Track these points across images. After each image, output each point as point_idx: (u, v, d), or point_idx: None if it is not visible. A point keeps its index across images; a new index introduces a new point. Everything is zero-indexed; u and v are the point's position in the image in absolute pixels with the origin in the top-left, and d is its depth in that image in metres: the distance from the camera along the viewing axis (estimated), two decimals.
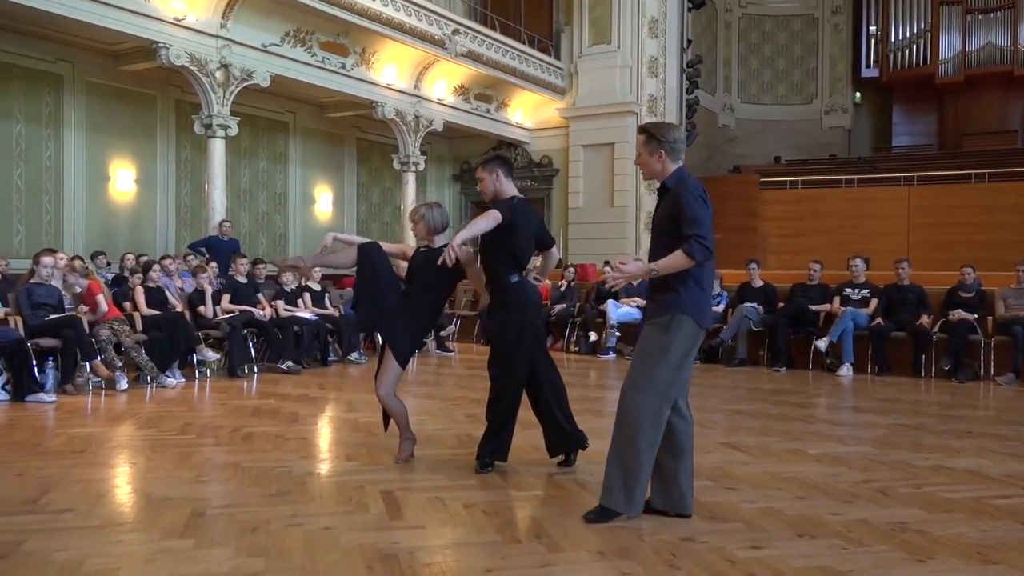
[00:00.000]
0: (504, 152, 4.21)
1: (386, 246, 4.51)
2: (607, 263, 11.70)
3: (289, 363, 8.49)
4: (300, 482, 4.03)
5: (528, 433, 4.72)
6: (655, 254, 3.40)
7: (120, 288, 8.30)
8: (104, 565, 2.87)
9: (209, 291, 8.53)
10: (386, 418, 4.49)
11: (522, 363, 4.17)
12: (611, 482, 3.34)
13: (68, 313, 7.19)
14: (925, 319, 8.74)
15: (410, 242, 4.40)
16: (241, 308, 8.61)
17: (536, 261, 4.58)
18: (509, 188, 4.27)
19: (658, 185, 3.51)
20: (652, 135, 3.44)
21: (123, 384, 7.06)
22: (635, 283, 10.54)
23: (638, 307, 10.42)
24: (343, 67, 13.50)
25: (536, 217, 4.35)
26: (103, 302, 7.48)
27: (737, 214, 19.00)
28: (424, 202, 4.68)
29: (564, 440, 4.30)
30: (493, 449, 4.27)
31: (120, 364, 7.25)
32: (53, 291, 7.19)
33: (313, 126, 15.96)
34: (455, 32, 14.75)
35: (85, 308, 7.35)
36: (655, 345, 3.34)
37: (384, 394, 4.31)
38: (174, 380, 7.48)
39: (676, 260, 3.26)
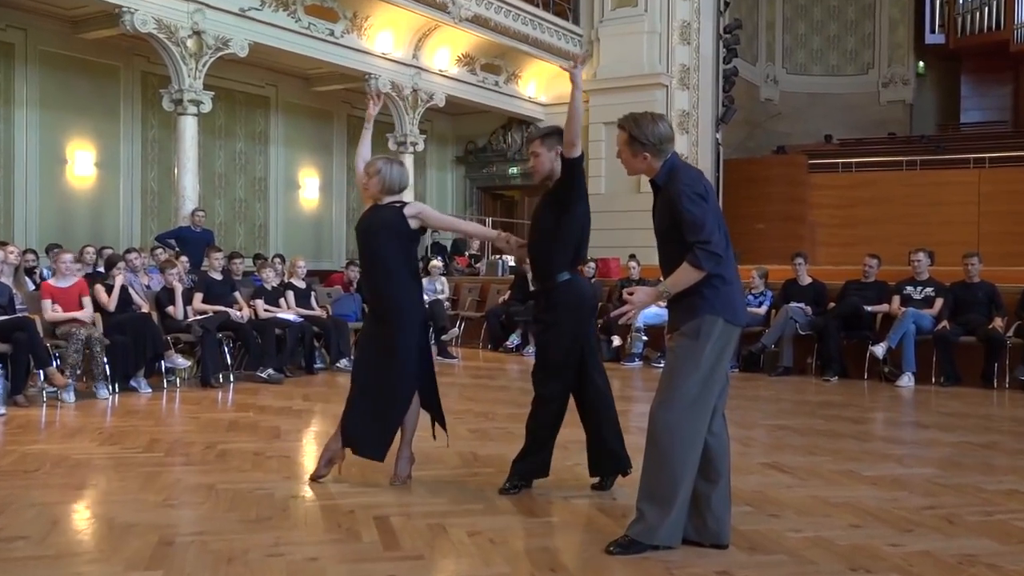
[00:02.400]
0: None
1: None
2: (632, 257, 11.69)
3: (270, 371, 8.52)
4: (282, 506, 4.04)
5: None
6: (666, 265, 3.42)
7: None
8: None
9: (179, 289, 8.56)
10: (434, 420, 4.55)
11: (568, 372, 4.19)
12: (642, 509, 3.34)
13: (20, 314, 7.23)
14: (998, 322, 8.68)
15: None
16: (215, 308, 8.64)
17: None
18: None
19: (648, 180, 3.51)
20: (634, 137, 3.41)
21: (71, 397, 7.06)
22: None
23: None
24: (331, 34, 13.53)
25: None
26: (89, 303, 7.60)
27: (781, 201, 18.96)
28: (383, 155, 4.65)
29: (610, 460, 4.30)
30: (529, 469, 4.29)
31: (79, 372, 7.29)
32: (3, 289, 7.24)
33: (297, 101, 16.01)
34: None
35: (56, 308, 7.40)
36: (683, 354, 3.34)
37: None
38: (115, 392, 7.50)
39: (685, 275, 3.28)
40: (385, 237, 4.34)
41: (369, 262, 4.45)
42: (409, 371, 4.35)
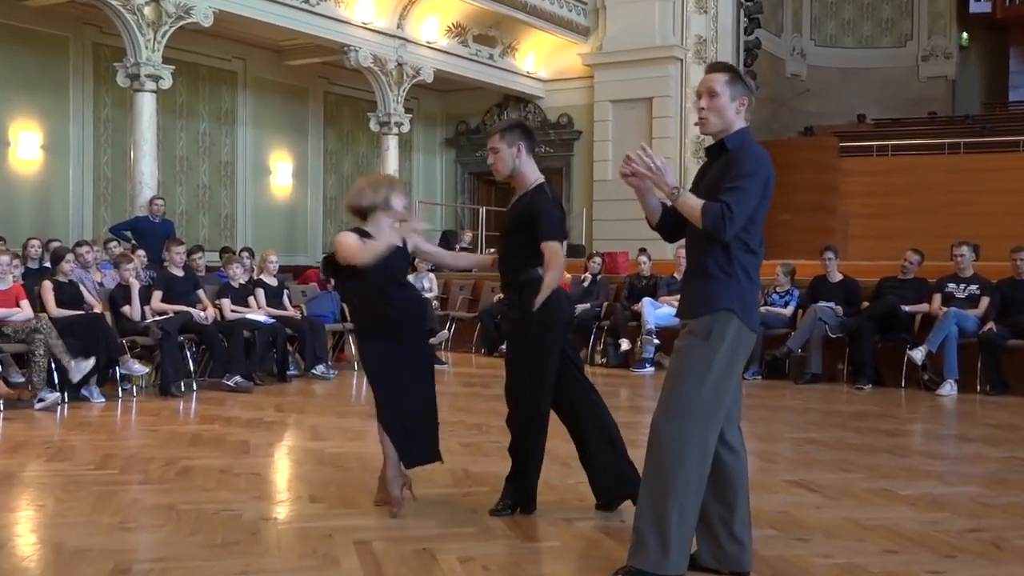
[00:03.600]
0: (527, 121, 4.26)
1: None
2: (643, 251, 11.70)
3: (237, 378, 8.51)
4: (252, 529, 4.04)
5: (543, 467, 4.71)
6: (693, 250, 3.41)
7: (27, 282, 8.33)
8: None
9: (136, 287, 8.56)
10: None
11: (544, 373, 4.20)
12: (643, 535, 3.29)
13: None
14: None
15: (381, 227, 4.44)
16: (176, 308, 8.64)
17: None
18: (531, 169, 4.31)
19: (710, 143, 3.49)
20: (740, 78, 3.41)
21: None
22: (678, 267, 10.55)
23: None
24: (306, 1, 13.51)
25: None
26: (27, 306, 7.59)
27: (809, 189, 18.94)
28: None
29: (617, 482, 4.30)
30: (517, 494, 4.31)
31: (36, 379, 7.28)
32: None
33: (268, 77, 15.99)
34: None
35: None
36: (692, 356, 3.31)
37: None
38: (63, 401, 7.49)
39: (693, 207, 3.24)
40: None
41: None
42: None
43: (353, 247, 4.20)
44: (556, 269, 4.12)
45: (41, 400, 7.23)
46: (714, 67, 3.47)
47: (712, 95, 3.38)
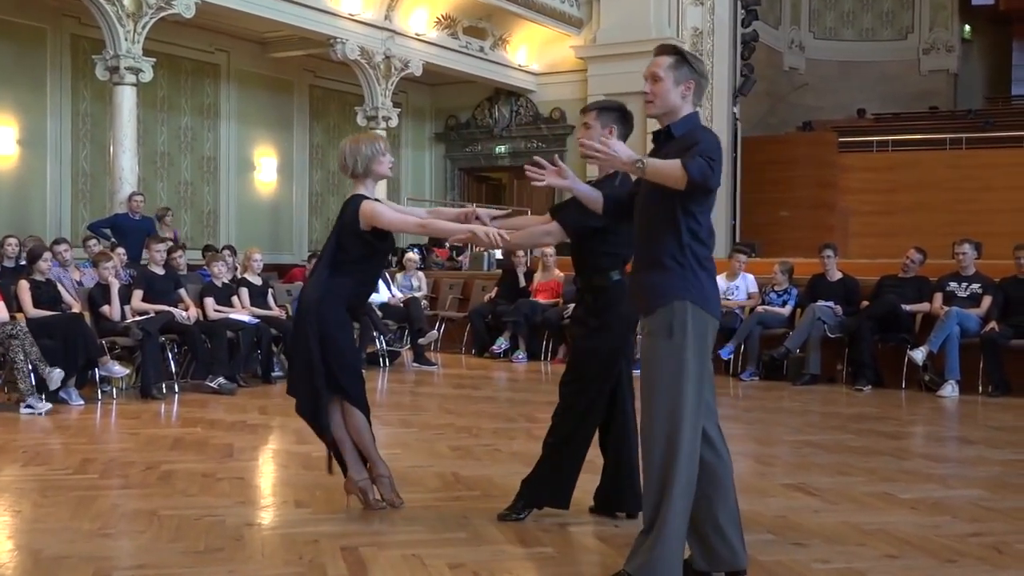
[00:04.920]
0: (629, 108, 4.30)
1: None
2: None
3: (221, 380, 8.50)
4: (236, 535, 4.03)
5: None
6: (645, 233, 3.40)
7: (3, 281, 8.31)
8: None
9: (115, 286, 8.54)
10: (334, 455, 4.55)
11: (607, 384, 4.23)
12: (640, 540, 3.31)
13: None
14: None
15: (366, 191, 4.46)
16: (157, 308, 8.61)
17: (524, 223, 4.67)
18: None
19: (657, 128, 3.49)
20: (686, 61, 3.43)
21: None
22: None
23: None
24: None
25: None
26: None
27: (808, 185, 19.02)
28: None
29: (623, 496, 4.32)
30: (543, 494, 4.28)
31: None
32: None
33: (252, 69, 15.96)
34: None
35: None
36: (662, 358, 3.29)
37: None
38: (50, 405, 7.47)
39: (670, 167, 3.16)
40: None
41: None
42: None
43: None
44: (525, 241, 4.20)
45: (30, 407, 7.18)
46: (659, 50, 3.47)
47: (655, 79, 3.41)
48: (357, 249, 4.30)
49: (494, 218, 4.37)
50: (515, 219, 4.71)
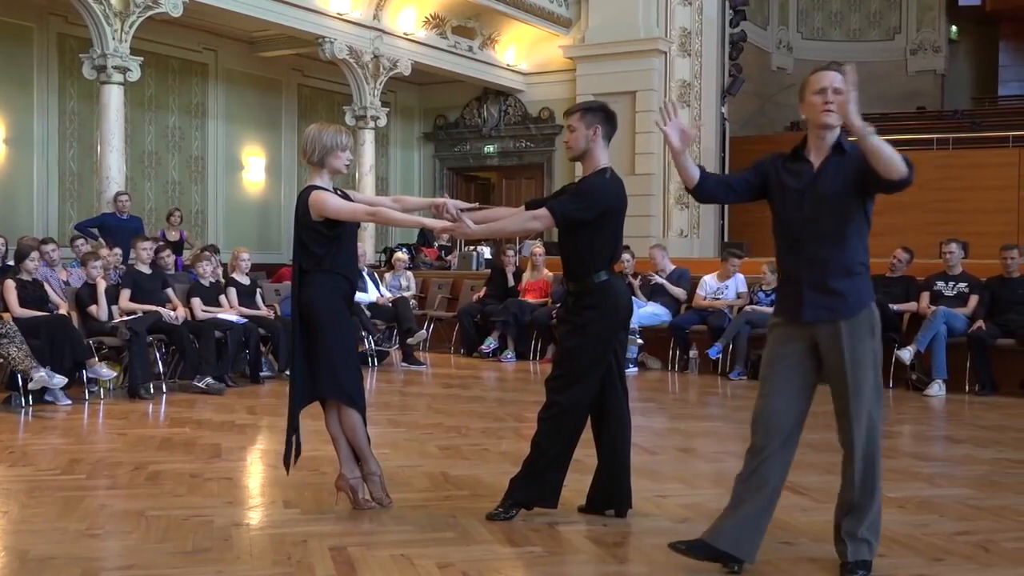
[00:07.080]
0: (612, 108, 4.32)
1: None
2: (626, 248, 11.69)
3: (209, 380, 8.48)
4: (223, 536, 4.03)
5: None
6: (829, 246, 3.57)
7: None
8: None
9: (103, 286, 8.50)
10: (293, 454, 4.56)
11: (593, 381, 4.24)
12: (854, 515, 3.78)
13: None
14: None
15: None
16: (145, 308, 8.59)
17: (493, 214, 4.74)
18: (602, 155, 4.34)
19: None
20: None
21: None
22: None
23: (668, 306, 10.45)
24: None
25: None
26: None
27: None
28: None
29: (617, 495, 4.34)
30: (532, 494, 4.28)
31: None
32: None
33: (240, 69, 15.92)
34: None
35: None
36: (867, 353, 3.79)
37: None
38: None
39: (892, 149, 3.28)
40: None
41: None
42: None
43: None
44: (511, 226, 4.39)
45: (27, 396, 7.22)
46: (836, 66, 3.71)
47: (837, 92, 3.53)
48: (317, 244, 4.32)
49: (463, 211, 4.37)
50: (486, 211, 4.73)
